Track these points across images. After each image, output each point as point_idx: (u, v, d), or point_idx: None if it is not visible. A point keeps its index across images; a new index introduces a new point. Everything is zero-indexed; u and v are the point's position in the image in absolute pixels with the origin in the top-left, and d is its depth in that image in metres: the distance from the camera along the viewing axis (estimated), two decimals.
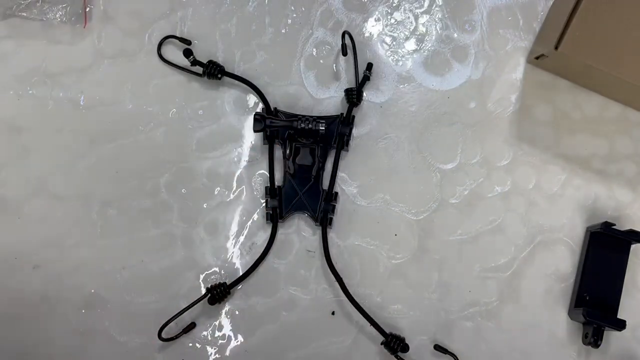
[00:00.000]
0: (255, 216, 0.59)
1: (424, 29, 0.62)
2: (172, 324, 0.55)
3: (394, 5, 0.62)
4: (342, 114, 0.59)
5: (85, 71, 0.60)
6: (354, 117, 0.60)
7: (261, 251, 0.58)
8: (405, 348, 0.55)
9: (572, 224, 0.60)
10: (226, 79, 0.60)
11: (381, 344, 0.56)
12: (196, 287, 0.58)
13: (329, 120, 0.58)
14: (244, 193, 0.59)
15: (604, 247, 0.58)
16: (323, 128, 0.56)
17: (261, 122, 0.56)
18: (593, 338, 0.55)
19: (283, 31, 0.61)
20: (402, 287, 0.58)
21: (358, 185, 0.60)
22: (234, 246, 0.59)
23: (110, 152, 0.60)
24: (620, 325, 0.55)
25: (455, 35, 0.62)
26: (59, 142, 0.60)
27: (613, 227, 0.57)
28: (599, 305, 0.57)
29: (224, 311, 0.58)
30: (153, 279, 0.58)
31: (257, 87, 0.59)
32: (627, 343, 0.58)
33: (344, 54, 0.60)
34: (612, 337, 0.58)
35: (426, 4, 0.62)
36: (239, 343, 0.57)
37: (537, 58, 0.59)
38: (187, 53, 0.58)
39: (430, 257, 0.59)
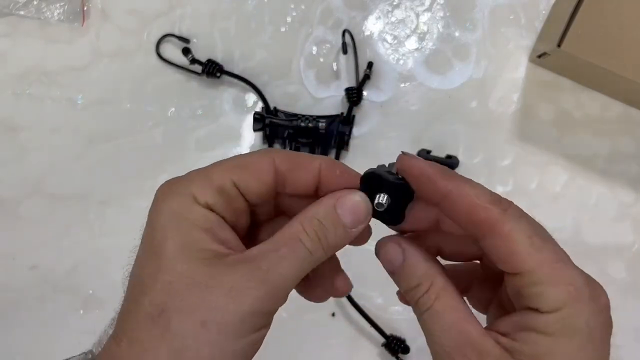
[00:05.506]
0: None
1: (425, 28, 0.62)
2: None
3: (395, 3, 0.62)
4: (342, 113, 0.59)
5: (83, 70, 0.60)
6: (354, 116, 0.59)
7: None
8: (406, 350, 0.55)
9: (575, 224, 0.59)
10: (225, 77, 0.59)
11: (382, 345, 0.56)
12: None
13: (329, 119, 0.58)
14: None
15: None
16: (323, 127, 0.55)
17: (261, 121, 0.56)
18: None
19: (283, 30, 0.61)
20: None
21: None
22: None
23: (108, 151, 0.59)
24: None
25: (457, 33, 0.61)
26: (57, 142, 0.59)
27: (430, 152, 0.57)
28: None
29: None
30: None
31: (256, 86, 0.59)
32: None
33: (344, 52, 0.59)
34: None
35: (427, 3, 0.62)
36: None
37: (539, 57, 0.59)
38: (186, 52, 0.58)
39: None
